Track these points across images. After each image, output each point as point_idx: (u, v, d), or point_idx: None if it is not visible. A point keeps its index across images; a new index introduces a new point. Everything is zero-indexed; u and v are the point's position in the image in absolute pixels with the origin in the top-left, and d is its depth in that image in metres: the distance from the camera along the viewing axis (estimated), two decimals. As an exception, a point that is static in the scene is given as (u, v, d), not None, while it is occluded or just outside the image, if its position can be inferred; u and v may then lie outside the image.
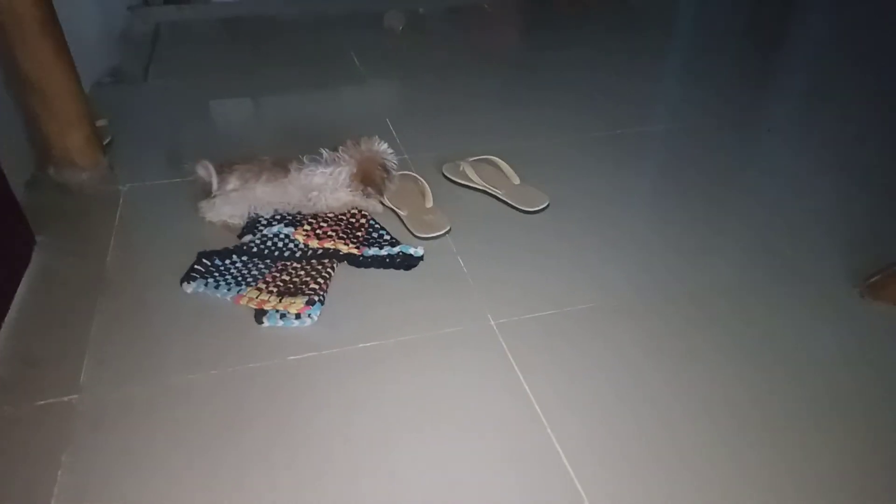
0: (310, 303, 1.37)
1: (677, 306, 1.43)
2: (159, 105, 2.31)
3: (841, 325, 1.40)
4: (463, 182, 1.82)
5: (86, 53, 1.94)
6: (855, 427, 1.17)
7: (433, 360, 1.29)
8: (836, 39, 3.23)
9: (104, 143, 1.92)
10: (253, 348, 1.31)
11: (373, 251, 1.55)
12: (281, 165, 1.64)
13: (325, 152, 1.65)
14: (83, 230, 1.63)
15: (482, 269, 1.52)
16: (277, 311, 1.36)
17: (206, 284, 1.43)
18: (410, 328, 1.36)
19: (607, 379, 1.25)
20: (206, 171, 1.62)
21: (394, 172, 1.68)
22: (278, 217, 1.64)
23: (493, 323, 1.37)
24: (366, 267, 1.52)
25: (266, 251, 1.54)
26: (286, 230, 1.59)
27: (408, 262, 1.53)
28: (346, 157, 1.64)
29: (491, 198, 1.78)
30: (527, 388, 1.23)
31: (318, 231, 1.59)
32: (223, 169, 1.62)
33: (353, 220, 1.64)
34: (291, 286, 1.43)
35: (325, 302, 1.40)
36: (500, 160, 1.83)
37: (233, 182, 1.60)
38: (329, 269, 1.48)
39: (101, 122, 1.94)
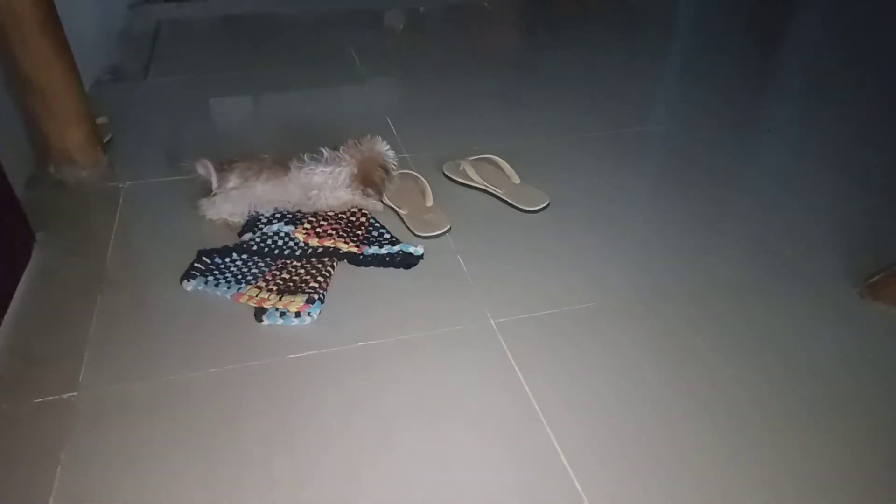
0: (310, 301, 1.37)
1: (677, 306, 1.43)
2: (160, 103, 2.31)
3: (841, 326, 1.40)
4: (463, 181, 1.82)
5: (86, 52, 1.94)
6: (854, 427, 1.17)
7: (433, 359, 1.29)
8: (836, 39, 3.23)
9: (104, 141, 1.92)
10: (252, 347, 1.31)
11: (373, 250, 1.55)
12: (281, 164, 1.63)
13: (325, 151, 1.65)
14: (83, 228, 1.63)
15: (482, 269, 1.52)
16: (277, 309, 1.36)
17: (206, 282, 1.43)
18: (410, 327, 1.36)
19: (607, 378, 1.25)
20: (205, 169, 1.62)
21: (394, 173, 1.68)
22: (278, 215, 1.64)
23: (492, 322, 1.37)
24: (366, 265, 1.52)
25: (266, 249, 1.54)
26: (286, 228, 1.59)
27: (408, 260, 1.53)
28: (347, 156, 1.63)
29: (491, 197, 1.78)
30: (526, 387, 1.23)
31: (318, 229, 1.59)
32: (223, 167, 1.62)
33: (354, 219, 1.64)
34: (291, 284, 1.43)
35: (325, 300, 1.40)
36: (500, 159, 1.83)
37: (233, 180, 1.60)
38: (329, 268, 1.48)
39: (101, 120, 1.94)
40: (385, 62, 2.76)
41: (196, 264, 1.48)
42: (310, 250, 1.54)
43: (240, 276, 1.45)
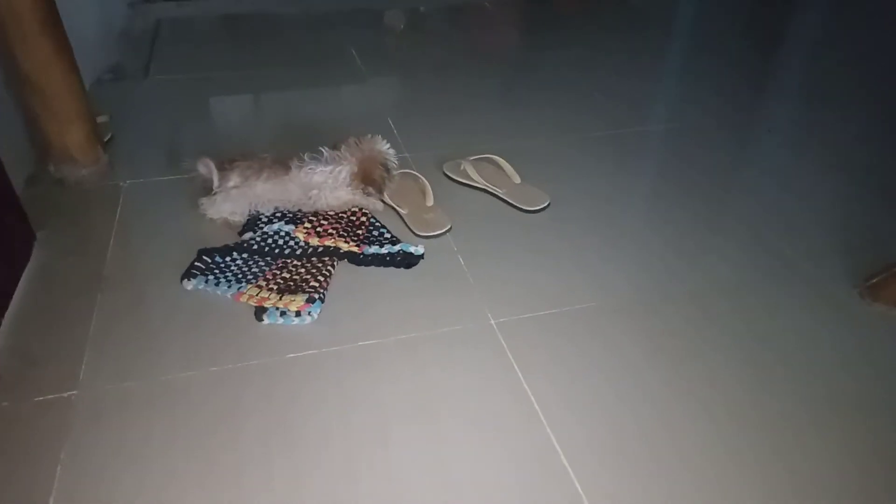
0: (310, 300, 1.37)
1: (677, 306, 1.43)
2: (160, 102, 2.31)
3: (840, 326, 1.40)
4: (464, 181, 1.82)
5: (86, 50, 1.94)
6: (854, 427, 1.18)
7: (433, 359, 1.29)
8: (837, 39, 3.23)
9: (105, 139, 1.92)
10: (252, 346, 1.31)
11: (373, 249, 1.55)
12: (282, 163, 1.63)
13: (325, 151, 1.65)
14: (83, 227, 1.63)
15: (482, 268, 1.52)
16: (277, 308, 1.36)
17: (206, 281, 1.43)
18: (410, 326, 1.36)
19: (607, 378, 1.26)
20: (206, 168, 1.62)
21: (394, 172, 1.68)
22: (279, 214, 1.64)
23: (492, 322, 1.37)
24: (366, 265, 1.52)
25: (266, 248, 1.54)
26: (287, 228, 1.59)
27: (408, 260, 1.53)
28: (347, 155, 1.63)
29: (491, 197, 1.78)
30: (526, 387, 1.23)
31: (318, 229, 1.59)
32: (224, 166, 1.62)
33: (354, 219, 1.64)
34: (292, 284, 1.43)
35: (326, 300, 1.40)
36: (500, 159, 1.83)
37: (234, 179, 1.60)
38: (329, 267, 1.48)
39: (101, 119, 1.94)
40: (385, 62, 2.76)
41: (196, 263, 1.48)
42: (310, 250, 1.54)
43: (240, 276, 1.46)
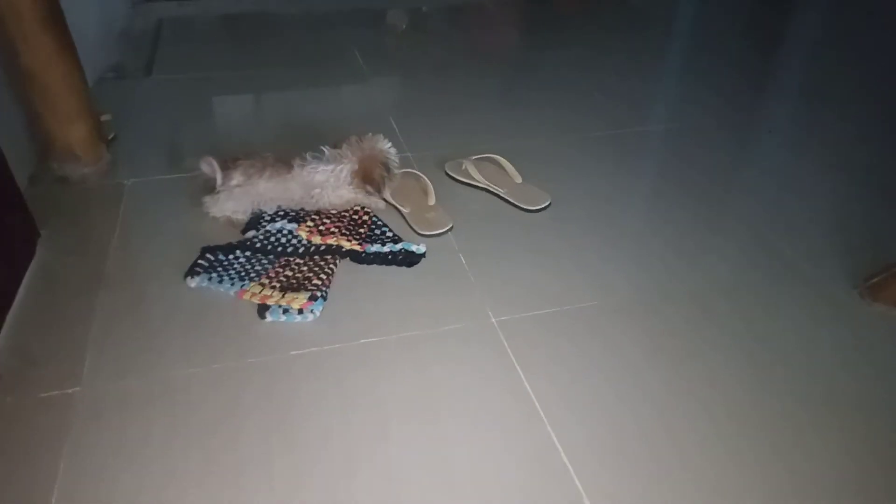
0: (312, 298, 1.38)
1: (677, 306, 1.44)
2: (162, 101, 2.31)
3: (840, 326, 1.41)
4: (465, 180, 1.82)
5: (88, 49, 1.94)
6: (853, 428, 1.18)
7: (434, 357, 1.30)
8: (837, 39, 3.24)
9: (108, 138, 1.92)
10: (254, 343, 1.31)
11: (375, 248, 1.56)
12: (284, 162, 1.64)
13: (326, 150, 1.66)
14: (86, 225, 1.64)
15: (484, 267, 1.53)
16: (280, 306, 1.37)
17: (209, 279, 1.44)
18: (411, 325, 1.37)
19: (607, 378, 1.26)
20: (209, 166, 1.62)
21: (395, 171, 1.68)
22: (282, 213, 1.65)
23: (493, 320, 1.38)
24: (368, 263, 1.53)
25: (269, 247, 1.55)
26: (289, 226, 1.60)
27: (410, 259, 1.53)
28: (349, 153, 1.64)
29: (493, 196, 1.78)
30: (527, 385, 1.23)
31: (321, 227, 1.60)
32: (227, 165, 1.63)
33: (356, 217, 1.65)
34: (294, 282, 1.44)
35: (328, 298, 1.41)
36: (502, 159, 1.84)
37: (236, 178, 1.61)
38: (332, 266, 1.49)
39: (104, 118, 1.94)
40: (387, 61, 2.76)
41: (199, 261, 1.48)
42: (313, 248, 1.55)
43: (243, 273, 1.46)
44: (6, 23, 1.57)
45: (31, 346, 1.29)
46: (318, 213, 1.65)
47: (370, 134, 1.67)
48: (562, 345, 1.33)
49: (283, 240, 1.57)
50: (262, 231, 1.59)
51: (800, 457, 1.12)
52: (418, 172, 1.76)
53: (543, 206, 1.73)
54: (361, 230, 1.61)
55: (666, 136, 2.20)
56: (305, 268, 1.48)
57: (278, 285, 1.42)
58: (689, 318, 1.41)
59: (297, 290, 1.40)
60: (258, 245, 1.55)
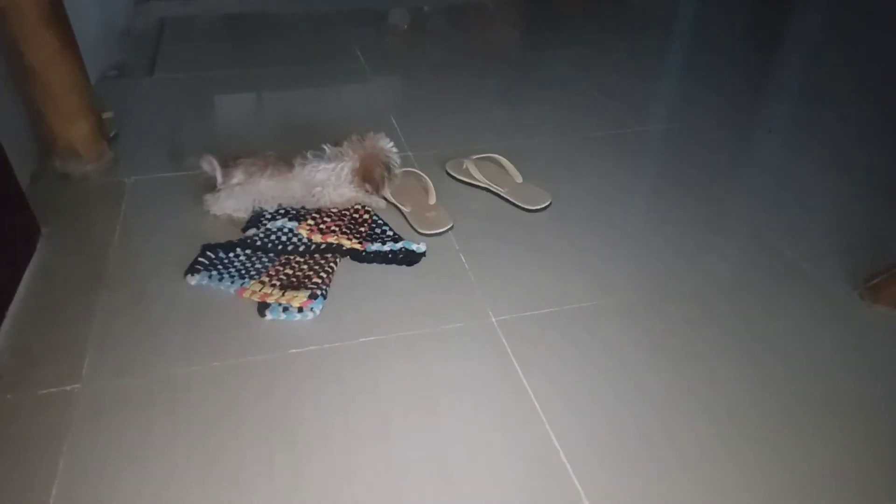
0: (312, 297, 1.38)
1: (677, 306, 1.44)
2: (164, 99, 2.31)
3: (840, 327, 1.41)
4: (466, 179, 1.82)
5: (91, 47, 1.95)
6: (853, 429, 1.18)
7: (434, 356, 1.30)
8: (837, 39, 3.24)
9: (110, 135, 1.92)
10: (254, 341, 1.31)
11: (375, 247, 1.56)
12: (285, 160, 1.64)
13: (327, 148, 1.66)
14: (87, 222, 1.64)
15: (484, 267, 1.53)
16: (280, 304, 1.37)
17: (209, 277, 1.44)
18: (411, 324, 1.37)
19: (607, 378, 1.26)
20: (210, 165, 1.63)
21: (395, 171, 1.69)
22: (282, 211, 1.65)
23: (493, 320, 1.38)
24: (368, 262, 1.53)
25: (270, 245, 1.55)
26: (290, 224, 1.60)
27: (410, 258, 1.53)
28: (349, 152, 1.64)
29: (493, 196, 1.78)
30: (526, 385, 1.23)
31: (321, 226, 1.60)
32: (228, 163, 1.63)
33: (357, 216, 1.65)
34: (294, 280, 1.44)
35: (328, 296, 1.41)
36: (503, 158, 1.84)
37: (237, 176, 1.61)
38: (332, 264, 1.49)
39: (106, 115, 1.95)
40: (389, 61, 2.76)
41: (200, 259, 1.48)
42: (313, 246, 1.55)
43: (243, 271, 1.46)
44: (9, 21, 1.57)
45: (30, 343, 1.29)
46: (318, 211, 1.65)
47: (372, 132, 1.67)
48: (561, 344, 1.33)
49: (284, 238, 1.57)
50: (262, 229, 1.59)
51: (799, 457, 1.12)
52: (419, 171, 1.76)
53: (544, 205, 1.73)
54: (362, 229, 1.61)
55: (666, 136, 2.20)
56: (306, 266, 1.48)
57: (278, 283, 1.43)
58: (689, 318, 1.41)
59: (297, 288, 1.40)
60: (258, 243, 1.55)
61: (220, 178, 1.61)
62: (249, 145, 1.72)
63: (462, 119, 2.22)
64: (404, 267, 1.52)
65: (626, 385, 1.25)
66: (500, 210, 1.74)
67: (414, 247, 1.55)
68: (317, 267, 1.48)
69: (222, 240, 1.56)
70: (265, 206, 1.65)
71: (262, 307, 1.37)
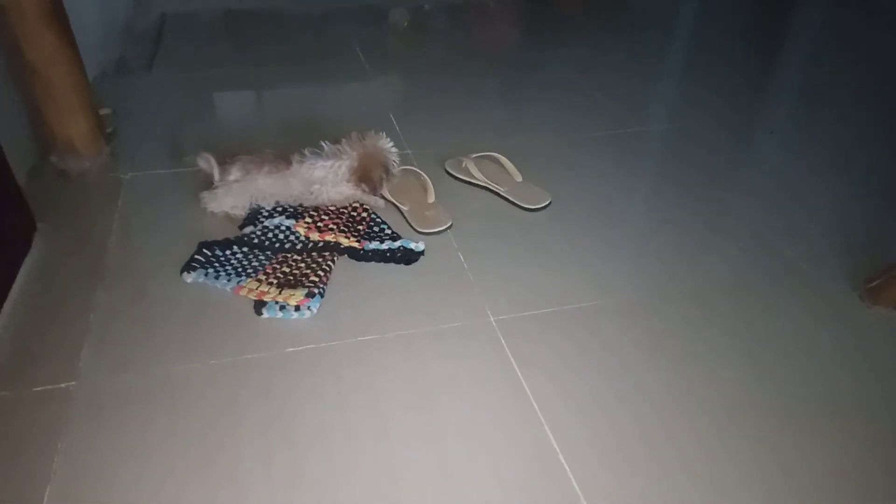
0: (309, 295, 1.37)
1: (677, 306, 1.43)
2: (163, 96, 2.31)
3: (840, 327, 1.41)
4: (465, 178, 1.82)
5: (91, 44, 1.94)
6: (853, 429, 1.18)
7: (432, 355, 1.29)
8: (837, 39, 3.24)
9: (108, 132, 1.91)
10: (251, 339, 1.31)
11: (373, 245, 1.55)
12: (283, 158, 1.64)
13: (326, 146, 1.66)
14: (85, 218, 1.63)
15: (483, 266, 1.52)
16: (277, 302, 1.36)
17: (206, 274, 1.43)
18: (409, 323, 1.36)
19: (606, 378, 1.26)
20: (206, 162, 1.62)
21: (394, 170, 1.68)
22: (280, 209, 1.65)
23: (492, 319, 1.38)
24: (366, 261, 1.52)
25: (267, 243, 1.54)
26: (287, 222, 1.60)
27: (408, 256, 1.53)
28: (348, 149, 1.63)
29: (493, 195, 1.78)
30: (525, 385, 1.23)
31: (319, 224, 1.59)
32: (226, 160, 1.63)
33: (355, 214, 1.65)
34: (291, 278, 1.43)
35: (325, 295, 1.40)
36: (502, 157, 1.83)
37: (235, 173, 1.61)
38: (329, 262, 1.48)
39: (104, 112, 1.94)
40: (389, 59, 2.76)
41: (197, 256, 1.48)
42: (311, 244, 1.55)
43: (240, 269, 1.46)
44: (9, 19, 1.56)
45: (27, 340, 1.28)
46: (316, 209, 1.65)
47: (372, 132, 1.66)
48: (561, 344, 1.33)
49: (281, 236, 1.57)
50: (259, 227, 1.59)
51: (799, 457, 1.12)
52: (418, 170, 1.76)
53: (543, 205, 1.73)
54: (360, 227, 1.60)
55: (666, 136, 2.20)
56: (303, 264, 1.48)
57: (275, 281, 1.42)
58: (689, 318, 1.40)
59: (294, 286, 1.40)
60: (256, 241, 1.55)
61: (216, 176, 1.61)
62: (248, 142, 1.71)
63: (462, 118, 2.21)
64: (403, 266, 1.52)
65: (625, 385, 1.24)
66: (500, 209, 1.73)
67: (412, 245, 1.55)
68: (314, 265, 1.47)
69: (219, 237, 1.55)
70: (263, 204, 1.64)
71: (259, 305, 1.36)
